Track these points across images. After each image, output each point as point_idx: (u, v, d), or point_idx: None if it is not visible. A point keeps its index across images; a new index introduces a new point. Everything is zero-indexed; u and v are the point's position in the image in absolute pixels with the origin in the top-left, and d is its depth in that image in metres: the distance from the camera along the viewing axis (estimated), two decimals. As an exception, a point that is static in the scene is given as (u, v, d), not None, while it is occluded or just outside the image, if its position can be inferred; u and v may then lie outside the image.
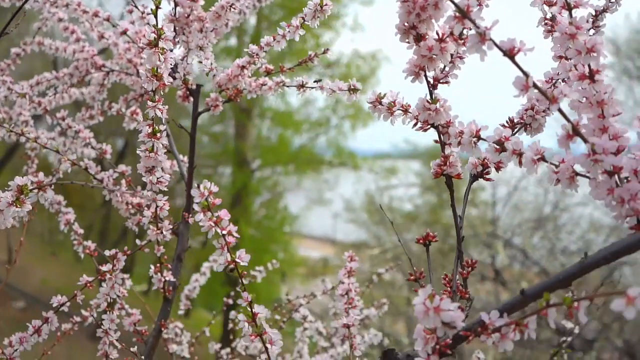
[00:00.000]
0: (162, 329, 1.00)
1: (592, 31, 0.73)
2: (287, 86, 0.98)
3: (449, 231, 7.89)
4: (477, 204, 9.53)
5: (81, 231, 1.11)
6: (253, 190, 11.18)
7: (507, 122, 0.70)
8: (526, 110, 0.69)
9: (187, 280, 1.52)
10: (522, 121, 0.69)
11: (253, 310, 0.66)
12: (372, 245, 8.86)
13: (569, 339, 1.16)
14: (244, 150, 11.11)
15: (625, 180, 0.53)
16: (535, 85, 0.51)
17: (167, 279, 0.98)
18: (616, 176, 0.54)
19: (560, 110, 0.52)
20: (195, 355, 1.39)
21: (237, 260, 0.64)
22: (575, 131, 0.52)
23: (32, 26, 1.38)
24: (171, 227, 0.92)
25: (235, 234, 0.63)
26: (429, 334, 0.54)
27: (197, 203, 0.62)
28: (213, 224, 0.62)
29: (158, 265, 0.97)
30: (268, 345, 0.65)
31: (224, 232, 0.63)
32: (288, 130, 11.96)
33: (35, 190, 0.66)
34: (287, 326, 1.48)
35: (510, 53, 0.51)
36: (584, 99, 0.55)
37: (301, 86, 0.96)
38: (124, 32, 1.06)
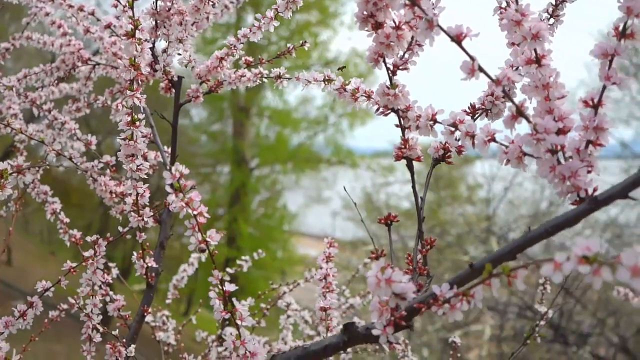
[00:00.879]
0: (145, 314, 1.03)
1: (551, 20, 0.76)
2: (266, 77, 1.01)
3: (446, 228, 7.92)
4: (474, 202, 9.56)
5: (67, 220, 1.14)
6: (252, 189, 11.20)
7: (468, 107, 0.72)
8: (487, 96, 0.72)
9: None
10: (482, 107, 0.72)
11: (224, 288, 0.68)
12: (369, 242, 8.90)
13: (542, 322, 1.19)
14: (242, 148, 11.13)
15: (570, 159, 0.56)
16: (480, 69, 0.54)
17: (149, 265, 1.01)
18: (561, 154, 0.57)
19: (505, 92, 0.55)
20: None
21: (207, 239, 0.67)
22: (519, 112, 0.55)
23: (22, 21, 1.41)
24: (152, 214, 0.94)
25: (206, 215, 0.66)
26: (384, 306, 0.57)
27: (169, 185, 0.65)
28: (184, 205, 0.65)
29: (140, 251, 1.00)
30: (238, 322, 0.68)
31: (195, 212, 0.66)
32: (286, 128, 11.99)
33: (15, 174, 0.69)
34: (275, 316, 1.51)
35: (457, 39, 0.54)
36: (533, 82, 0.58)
37: (278, 77, 0.99)
38: (108, 26, 1.09)
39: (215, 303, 0.68)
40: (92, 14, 1.14)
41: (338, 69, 0.87)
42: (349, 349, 1.37)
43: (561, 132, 0.56)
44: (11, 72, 1.38)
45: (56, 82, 1.23)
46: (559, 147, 0.54)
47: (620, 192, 0.51)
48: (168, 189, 0.65)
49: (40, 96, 1.22)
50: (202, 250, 0.67)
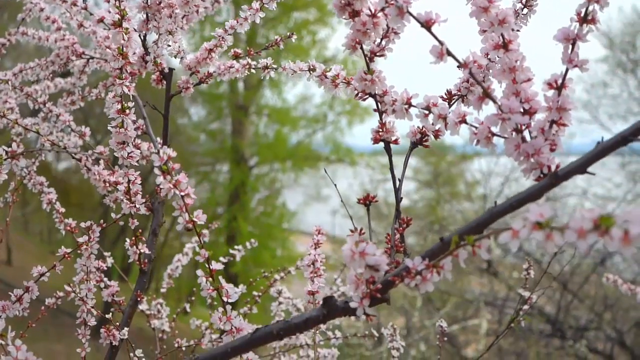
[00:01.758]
0: (138, 299, 1.06)
1: (525, 10, 0.79)
2: (253, 68, 1.04)
3: (444, 225, 7.96)
4: (473, 199, 9.60)
5: (63, 210, 1.17)
6: (251, 187, 11.24)
7: (444, 93, 0.75)
8: (462, 82, 0.75)
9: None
10: (459, 93, 0.75)
11: (210, 267, 0.72)
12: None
13: (526, 307, 1.22)
14: (241, 147, 11.16)
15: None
16: (449, 53, 0.57)
17: (142, 251, 1.04)
18: (527, 134, 0.60)
19: (472, 75, 0.58)
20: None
21: (194, 219, 0.70)
22: (485, 94, 0.58)
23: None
24: (144, 200, 0.97)
25: (193, 196, 0.69)
26: (360, 279, 0.60)
27: (156, 167, 0.68)
28: (172, 186, 0.68)
29: (133, 238, 1.03)
30: (224, 299, 0.71)
31: (183, 194, 0.69)
32: (285, 127, 12.02)
33: (9, 160, 0.72)
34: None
35: (427, 24, 0.57)
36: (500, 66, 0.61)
37: (265, 67, 1.02)
38: (101, 20, 1.12)
39: (202, 281, 0.71)
40: (85, 8, 1.17)
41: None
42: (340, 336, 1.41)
43: (528, 113, 0.59)
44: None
45: (51, 76, 1.26)
46: (523, 126, 0.57)
47: (579, 168, 0.54)
48: (156, 171, 0.68)
49: (36, 90, 1.25)
50: (188, 230, 0.70)
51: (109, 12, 1.15)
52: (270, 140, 11.85)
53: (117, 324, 1.00)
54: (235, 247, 1.49)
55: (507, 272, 6.40)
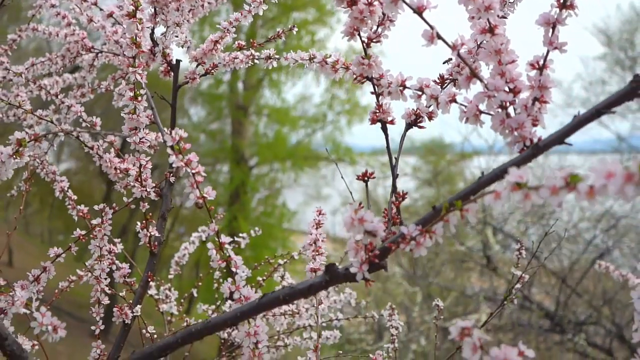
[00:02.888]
0: (149, 279, 1.11)
1: (512, -1, 0.84)
2: (257, 59, 1.09)
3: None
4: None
5: (75, 197, 1.22)
6: (251, 187, 11.28)
7: (438, 77, 0.81)
8: (454, 67, 0.80)
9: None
10: (450, 77, 0.80)
11: (220, 240, 0.77)
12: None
13: (519, 285, 1.27)
14: (241, 147, 11.21)
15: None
16: (439, 36, 0.62)
17: (152, 234, 1.09)
18: (512, 110, 0.65)
19: (459, 56, 0.63)
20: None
21: (205, 195, 0.75)
22: (473, 74, 0.63)
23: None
24: (154, 185, 1.03)
25: (203, 174, 0.74)
26: (359, 246, 0.65)
27: (169, 146, 0.73)
28: (184, 165, 0.73)
29: (144, 221, 1.08)
30: (233, 269, 0.77)
31: (194, 171, 0.74)
32: (285, 126, 12.07)
33: (32, 142, 0.77)
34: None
35: (419, 10, 0.62)
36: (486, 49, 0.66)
37: (268, 58, 1.07)
38: (111, 15, 1.17)
39: (213, 253, 0.77)
40: (95, 4, 1.22)
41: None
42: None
43: (512, 91, 0.65)
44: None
45: (61, 70, 1.31)
46: (507, 103, 0.63)
47: (558, 139, 0.59)
48: (169, 150, 0.73)
49: (47, 84, 1.30)
50: (199, 206, 0.76)
51: (119, 7, 1.20)
52: (270, 140, 11.90)
53: (130, 302, 1.05)
54: (240, 234, 1.54)
55: (507, 268, 6.45)
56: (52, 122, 1.11)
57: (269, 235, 10.96)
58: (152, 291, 1.39)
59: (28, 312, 0.73)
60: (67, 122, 1.32)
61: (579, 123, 0.58)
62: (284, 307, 1.34)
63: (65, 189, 1.23)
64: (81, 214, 1.17)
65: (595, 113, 0.57)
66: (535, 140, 0.62)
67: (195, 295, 1.57)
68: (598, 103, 0.58)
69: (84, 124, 1.22)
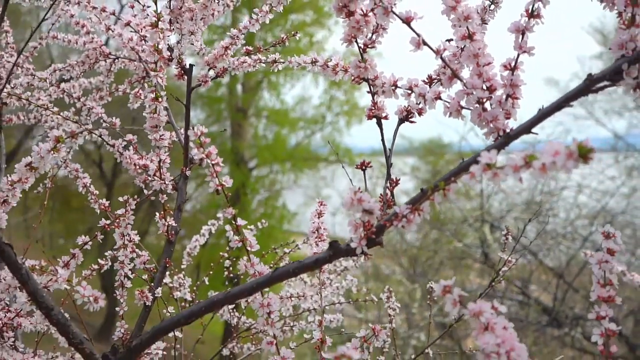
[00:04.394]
0: (167, 265, 1.22)
1: (492, 6, 0.95)
2: (264, 63, 1.20)
3: (444, 222, 8.11)
4: (471, 197, 9.75)
5: (97, 192, 1.32)
6: (251, 189, 11.38)
7: (426, 78, 0.91)
8: (440, 68, 0.90)
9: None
10: (437, 77, 0.91)
11: (237, 222, 0.87)
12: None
13: (505, 269, 1.37)
14: (241, 149, 11.31)
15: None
16: (424, 42, 0.73)
17: (170, 224, 1.20)
18: (489, 105, 0.76)
19: (442, 59, 0.74)
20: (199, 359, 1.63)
21: (223, 183, 0.86)
22: (454, 74, 0.74)
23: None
24: (172, 178, 1.13)
25: (221, 164, 0.85)
26: (358, 223, 0.75)
27: (192, 140, 0.83)
28: (205, 156, 0.84)
29: (162, 212, 1.19)
30: (249, 248, 0.87)
31: (213, 162, 0.84)
32: (284, 128, 12.18)
33: (69, 139, 0.88)
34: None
35: (407, 20, 0.73)
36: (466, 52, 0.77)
37: (274, 62, 1.18)
38: (128, 24, 1.28)
39: (230, 234, 0.87)
40: (113, 13, 1.33)
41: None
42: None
43: (489, 89, 0.75)
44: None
45: (82, 73, 1.42)
46: (484, 100, 0.73)
47: (525, 130, 0.70)
48: (192, 144, 0.84)
49: (69, 88, 1.41)
50: (217, 192, 0.86)
51: (134, 16, 1.31)
52: (270, 141, 12.00)
53: (151, 284, 1.16)
54: (248, 227, 1.63)
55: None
56: (77, 122, 1.21)
57: (270, 236, 11.04)
58: (166, 279, 1.49)
59: (69, 287, 0.83)
60: (88, 123, 1.43)
61: (542, 115, 0.69)
62: (291, 291, 1.44)
63: (88, 184, 1.33)
64: (103, 207, 1.28)
65: (556, 106, 0.68)
66: (507, 130, 0.73)
67: (207, 283, 1.67)
68: (560, 97, 0.68)
69: (104, 125, 1.33)
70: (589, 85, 0.67)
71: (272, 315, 0.86)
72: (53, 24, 1.56)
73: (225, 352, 1.64)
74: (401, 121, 0.90)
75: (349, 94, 12.14)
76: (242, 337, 1.50)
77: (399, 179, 0.87)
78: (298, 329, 1.47)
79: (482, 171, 0.60)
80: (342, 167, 1.33)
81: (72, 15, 1.44)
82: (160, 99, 0.99)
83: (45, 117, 1.48)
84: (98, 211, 1.31)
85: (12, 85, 1.46)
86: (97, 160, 10.15)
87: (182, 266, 1.62)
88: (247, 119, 11.79)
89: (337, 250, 0.79)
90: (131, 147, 1.28)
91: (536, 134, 0.70)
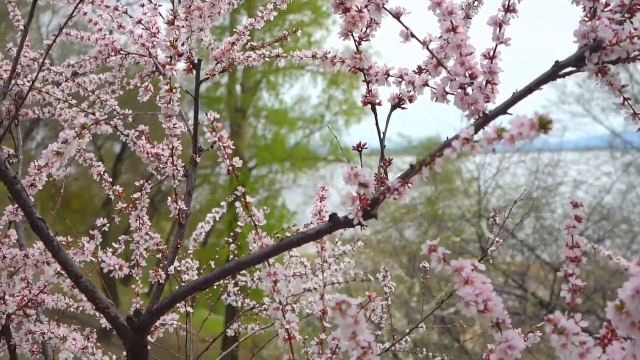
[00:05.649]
0: (178, 246, 1.31)
1: (475, 2, 1.04)
2: (267, 57, 1.29)
3: (445, 220, 8.23)
4: (470, 195, 9.86)
5: (110, 179, 1.41)
6: (250, 189, 11.47)
7: (417, 68, 1.00)
8: (428, 58, 1.00)
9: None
10: (426, 67, 1.00)
11: (246, 200, 0.97)
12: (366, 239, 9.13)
13: (493, 248, 1.46)
14: (240, 149, 11.40)
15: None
16: (412, 35, 0.82)
17: (181, 207, 1.29)
18: (471, 91, 0.85)
19: (428, 50, 0.83)
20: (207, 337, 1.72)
21: (233, 163, 0.95)
22: (439, 63, 0.83)
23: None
24: (184, 164, 1.22)
25: (232, 147, 0.94)
26: (354, 197, 0.85)
27: (205, 126, 0.93)
28: (217, 139, 0.93)
29: (174, 196, 1.28)
30: (257, 223, 0.96)
31: (224, 145, 0.94)
32: (283, 128, 12.27)
33: (94, 125, 0.97)
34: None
35: (397, 15, 0.82)
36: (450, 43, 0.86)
37: (277, 56, 1.27)
38: (139, 22, 1.37)
39: (240, 210, 0.96)
40: (125, 12, 1.42)
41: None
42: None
43: (470, 76, 0.84)
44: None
45: (95, 69, 1.51)
46: (466, 85, 0.83)
47: (502, 111, 0.79)
48: (205, 129, 0.93)
49: (85, 82, 1.50)
50: (228, 172, 0.96)
51: (144, 14, 1.40)
52: (269, 141, 12.08)
53: (165, 263, 1.25)
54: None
55: (501, 259, 6.67)
56: (93, 114, 1.30)
57: (269, 236, 11.11)
58: (175, 263, 1.58)
59: (95, 260, 0.92)
60: (102, 115, 1.52)
61: (516, 98, 0.78)
62: (294, 270, 1.54)
63: (102, 172, 1.42)
64: (117, 193, 1.37)
65: (528, 90, 0.77)
66: (487, 112, 0.82)
67: (213, 267, 1.76)
68: (531, 82, 0.77)
69: (117, 117, 1.42)
70: (556, 71, 0.76)
71: (278, 283, 0.96)
72: (66, 22, 1.65)
73: (230, 333, 1.73)
74: (393, 107, 0.99)
75: (348, 93, 12.23)
76: (246, 317, 1.59)
77: (392, 159, 0.96)
78: (299, 308, 1.56)
79: (461, 144, 0.69)
80: (341, 167, 1.42)
81: (85, 13, 1.53)
82: (174, 90, 1.08)
83: (59, 110, 1.57)
84: (112, 197, 1.40)
85: (28, 80, 1.54)
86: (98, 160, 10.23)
87: (189, 251, 1.71)
88: (246, 119, 11.88)
89: (337, 221, 0.88)
90: (143, 137, 1.37)
91: (511, 114, 0.79)
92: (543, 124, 0.59)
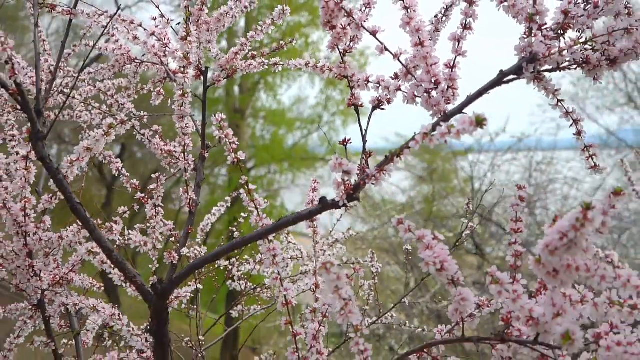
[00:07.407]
0: (189, 231, 1.49)
1: (444, 18, 1.22)
2: (267, 65, 1.47)
3: (442, 221, 8.41)
4: (466, 194, 10.03)
5: (128, 174, 1.59)
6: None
7: (394, 74, 1.18)
8: (401, 68, 1.17)
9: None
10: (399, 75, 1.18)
11: (249, 187, 1.14)
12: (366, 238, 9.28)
13: (467, 232, 1.64)
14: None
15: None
16: (386, 49, 1.00)
17: (191, 197, 1.47)
18: (435, 94, 1.03)
19: (399, 61, 1.01)
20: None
21: (238, 157, 1.13)
22: (408, 72, 1.01)
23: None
24: (194, 159, 1.40)
25: (237, 142, 1.12)
26: (340, 182, 1.02)
27: (214, 124, 1.10)
28: (224, 136, 1.11)
29: (185, 187, 1.46)
30: (258, 206, 1.14)
31: (230, 140, 1.12)
32: (281, 129, 12.44)
33: (120, 125, 1.15)
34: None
35: (373, 33, 1.00)
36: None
37: (276, 64, 1.45)
38: (152, 34, 1.55)
39: (244, 196, 1.14)
40: (140, 25, 1.60)
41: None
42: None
43: (434, 83, 1.02)
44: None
45: (113, 76, 1.69)
46: (431, 90, 1.01)
47: (457, 111, 0.97)
48: (214, 127, 1.11)
49: (104, 86, 1.68)
50: (234, 164, 1.13)
51: (157, 27, 1.58)
52: (267, 142, 12.25)
53: (178, 246, 1.43)
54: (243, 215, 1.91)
55: (495, 254, 6.85)
56: (113, 115, 1.48)
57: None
58: (183, 251, 1.76)
59: (122, 239, 1.10)
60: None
61: (469, 100, 0.96)
62: (290, 253, 1.72)
63: (120, 168, 1.60)
64: (134, 186, 1.55)
65: (477, 94, 0.95)
66: (447, 112, 1.00)
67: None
68: (479, 88, 0.95)
69: (134, 118, 1.60)
70: (501, 78, 0.94)
71: (277, 258, 1.13)
72: (85, 34, 1.83)
73: (234, 314, 1.91)
74: (374, 108, 1.17)
75: (345, 94, 12.39)
76: (249, 297, 1.76)
77: (373, 152, 1.14)
78: (296, 292, 1.73)
79: (422, 138, 0.87)
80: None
81: (104, 27, 1.71)
82: (186, 95, 1.26)
83: (79, 113, 1.75)
84: (130, 190, 1.57)
85: (53, 86, 1.72)
86: (97, 164, 10.40)
87: (197, 240, 1.89)
88: (244, 119, 12.05)
89: (325, 203, 1.06)
90: (157, 136, 1.55)
91: (465, 114, 0.97)
92: (479, 122, 0.77)
